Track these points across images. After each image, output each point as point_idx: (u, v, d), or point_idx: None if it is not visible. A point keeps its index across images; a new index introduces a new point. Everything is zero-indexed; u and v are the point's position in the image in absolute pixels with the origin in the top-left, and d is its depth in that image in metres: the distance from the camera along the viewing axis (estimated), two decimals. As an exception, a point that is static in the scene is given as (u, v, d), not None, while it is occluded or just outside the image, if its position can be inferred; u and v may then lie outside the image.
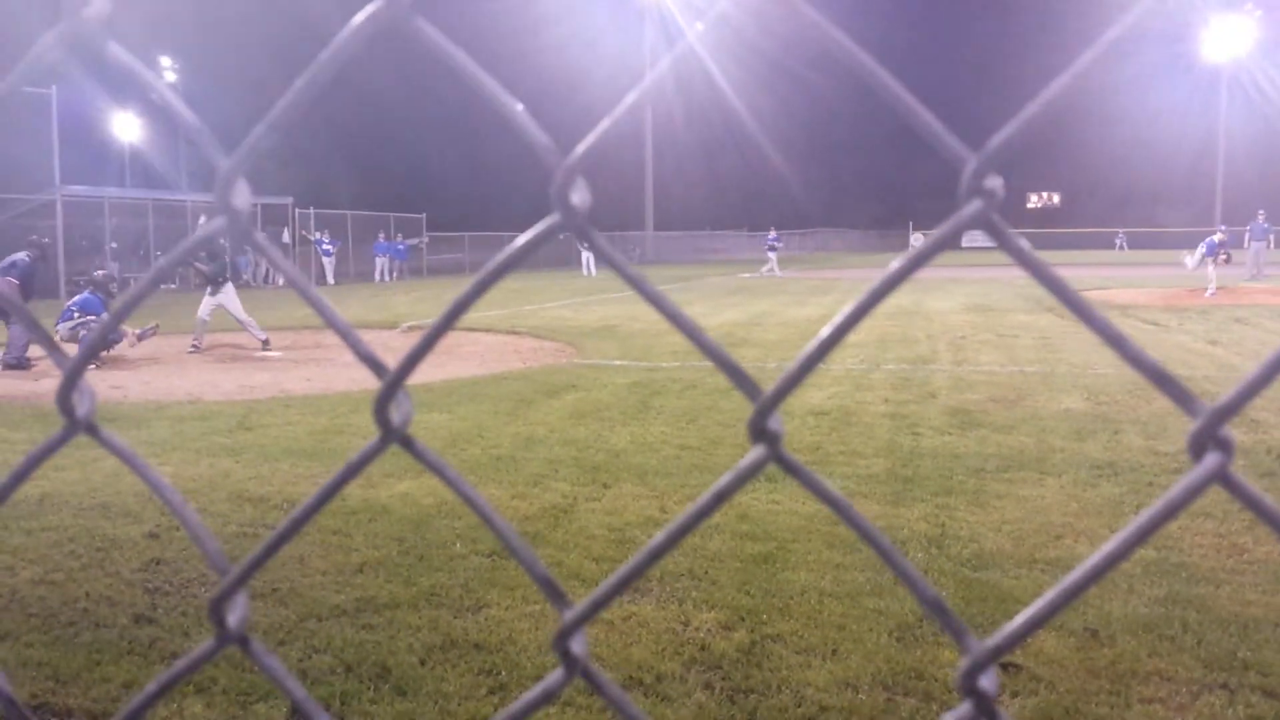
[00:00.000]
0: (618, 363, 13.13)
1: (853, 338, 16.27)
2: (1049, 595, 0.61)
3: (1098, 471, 7.09)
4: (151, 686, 0.86)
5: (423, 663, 4.19)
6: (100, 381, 11.96)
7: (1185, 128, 77.42)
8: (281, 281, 35.46)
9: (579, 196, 0.66)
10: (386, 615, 4.67)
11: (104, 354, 13.78)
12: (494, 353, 14.61)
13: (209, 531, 0.82)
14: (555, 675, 0.73)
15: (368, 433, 8.75)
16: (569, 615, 0.73)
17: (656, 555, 0.69)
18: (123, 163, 47.96)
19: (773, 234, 43.60)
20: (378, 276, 40.80)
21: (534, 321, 18.84)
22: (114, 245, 32.29)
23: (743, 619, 4.59)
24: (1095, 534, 5.74)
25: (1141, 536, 0.59)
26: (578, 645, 0.73)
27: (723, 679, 4.05)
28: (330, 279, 38.59)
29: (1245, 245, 31.69)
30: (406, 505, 6.21)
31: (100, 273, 15.00)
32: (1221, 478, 0.59)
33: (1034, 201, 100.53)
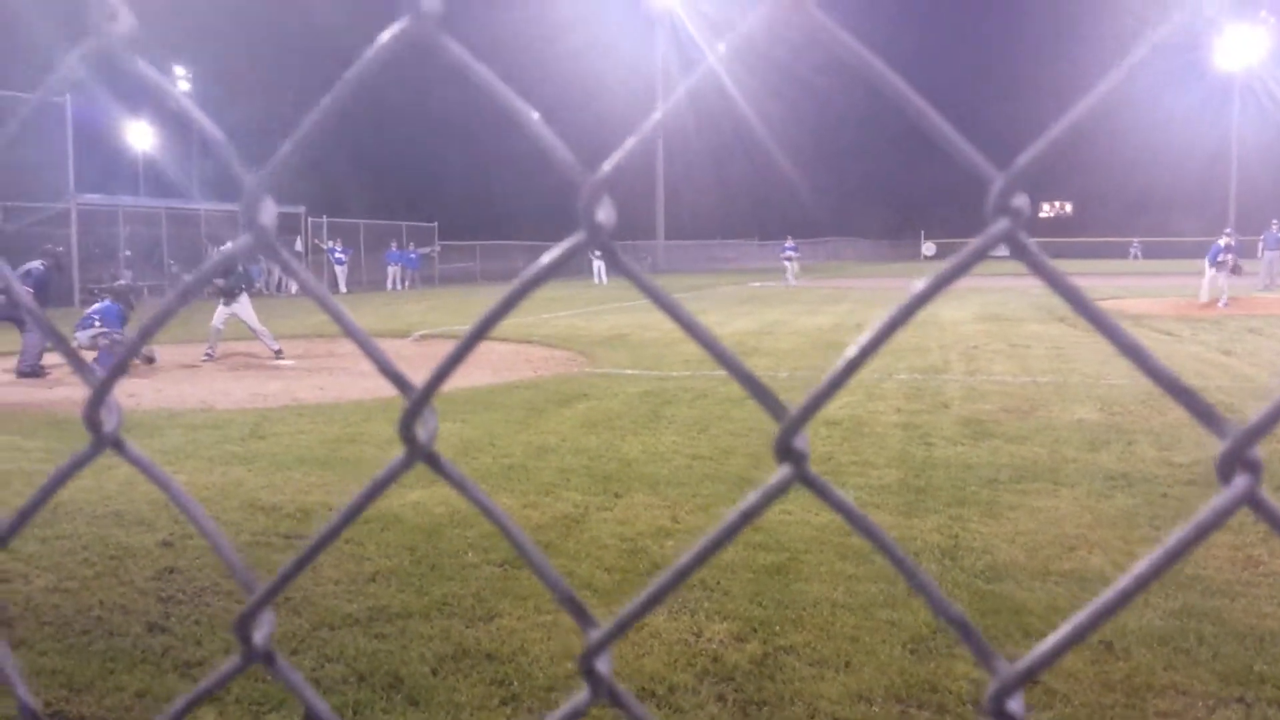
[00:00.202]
0: (629, 372, 13.13)
1: (873, 329, 16.20)
2: (1078, 618, 0.61)
3: (1112, 483, 7.06)
4: (179, 704, 0.86)
5: (435, 672, 4.19)
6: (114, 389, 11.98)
7: (1198, 136, 77.19)
8: (295, 289, 35.59)
9: (604, 214, 0.67)
10: (399, 624, 4.68)
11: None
12: (505, 361, 14.63)
13: (235, 550, 0.82)
14: (581, 695, 0.73)
15: (380, 441, 8.78)
16: (595, 635, 0.72)
17: (683, 575, 0.69)
18: (137, 171, 48.20)
19: (789, 243, 43.55)
20: (390, 285, 40.92)
21: (545, 330, 18.86)
22: (128, 253, 32.44)
23: (755, 630, 4.58)
24: (1110, 545, 5.71)
25: (1171, 560, 0.59)
26: (603, 665, 0.73)
27: (735, 690, 4.04)
28: (343, 287, 38.72)
29: (1259, 255, 31.54)
30: (419, 514, 6.21)
31: (120, 282, 15.07)
32: (1250, 500, 0.58)
33: (1046, 210, 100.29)
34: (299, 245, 38.30)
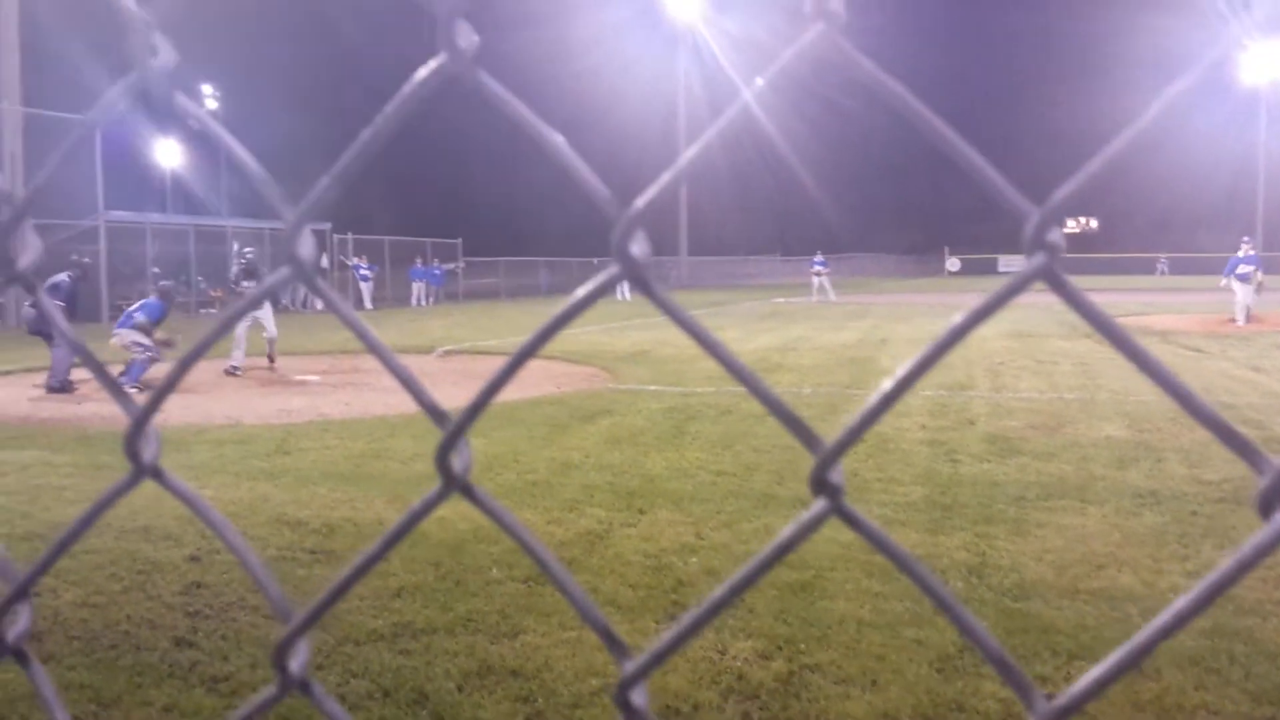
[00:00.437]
0: (652, 388, 13.13)
1: (888, 362, 16.19)
2: (1117, 654, 0.60)
3: (1140, 500, 7.00)
4: None
5: (460, 689, 4.19)
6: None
7: (1225, 151, 76.65)
8: (320, 306, 35.82)
9: (638, 248, 0.67)
10: (424, 641, 4.68)
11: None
12: (528, 377, 14.66)
13: (272, 577, 0.82)
14: None
15: (405, 457, 8.81)
16: (630, 667, 0.72)
17: (718, 607, 0.68)
18: (165, 188, 48.68)
19: (819, 257, 42.76)
20: (414, 301, 41.11)
21: (568, 346, 18.89)
22: (156, 270, 32.73)
23: (780, 648, 4.56)
24: (1139, 564, 5.65)
25: (1213, 595, 0.58)
26: (639, 697, 0.72)
27: (760, 709, 4.02)
28: (368, 304, 38.94)
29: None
30: (444, 530, 6.22)
31: (165, 283, 15.37)
32: None
33: (1072, 226, 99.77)
34: (324, 262, 38.55)
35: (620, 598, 5.22)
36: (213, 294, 33.90)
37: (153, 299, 14.59)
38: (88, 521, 0.89)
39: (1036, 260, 0.61)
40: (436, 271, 43.00)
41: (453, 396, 12.25)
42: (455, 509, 6.70)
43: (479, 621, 4.90)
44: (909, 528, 6.38)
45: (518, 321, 24.18)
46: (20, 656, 0.97)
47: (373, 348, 0.76)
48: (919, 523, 6.50)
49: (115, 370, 13.84)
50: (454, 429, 0.72)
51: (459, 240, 46.77)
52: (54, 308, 1.02)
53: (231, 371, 15.28)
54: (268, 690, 0.83)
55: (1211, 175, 78.62)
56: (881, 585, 5.23)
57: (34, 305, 13.89)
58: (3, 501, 7.22)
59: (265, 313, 15.63)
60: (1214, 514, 6.61)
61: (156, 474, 0.84)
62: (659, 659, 0.71)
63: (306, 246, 0.75)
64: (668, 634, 0.71)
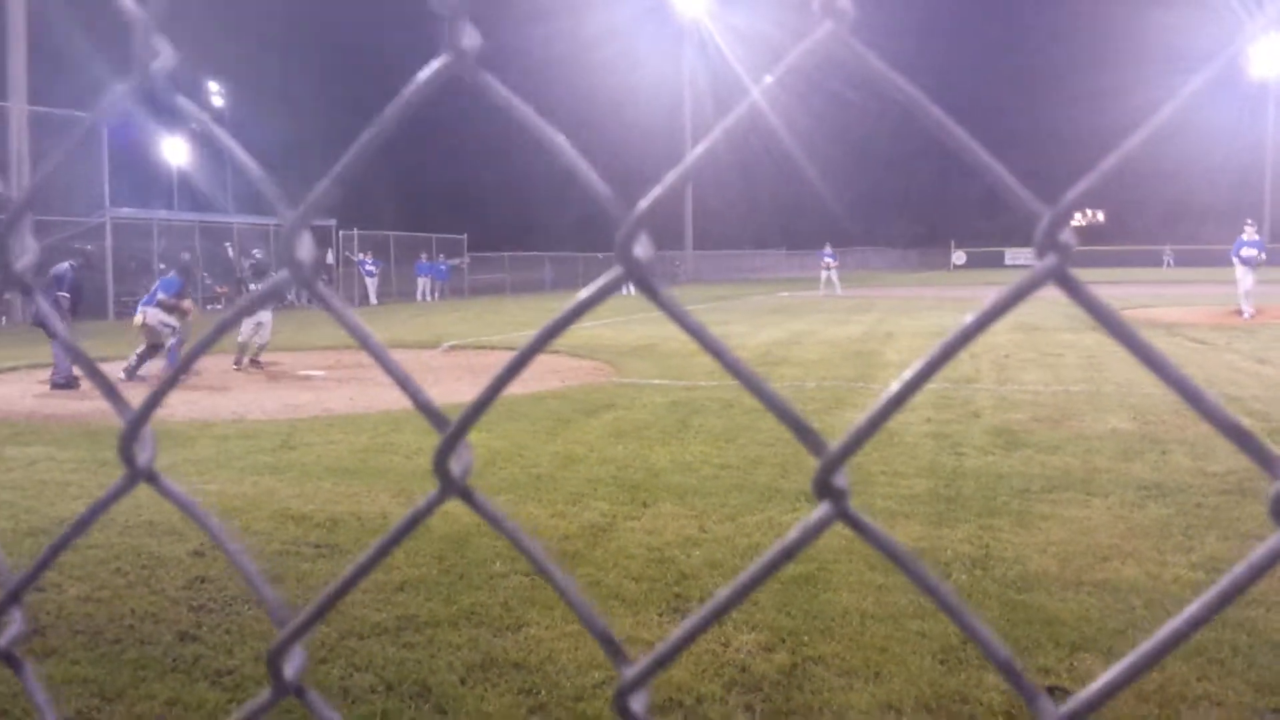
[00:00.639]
0: (656, 382, 13.13)
1: (893, 356, 16.18)
2: (1127, 660, 0.59)
3: (1145, 492, 6.98)
4: None
5: (463, 681, 4.20)
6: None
7: (1233, 144, 76.38)
8: (325, 301, 35.80)
9: (641, 249, 0.66)
10: (427, 634, 4.69)
11: (147, 372, 14.06)
12: (532, 371, 14.65)
13: (266, 581, 0.82)
14: None
15: (409, 451, 8.82)
16: (629, 673, 0.71)
17: (721, 611, 0.68)
18: (171, 185, 48.74)
19: (828, 249, 41.60)
20: (419, 296, 41.16)
21: (572, 340, 18.88)
22: (162, 266, 32.78)
23: (783, 640, 4.56)
24: (1143, 556, 5.65)
25: (1225, 600, 0.57)
26: (638, 703, 0.71)
27: (763, 701, 4.02)
28: (373, 299, 38.99)
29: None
30: (447, 523, 6.23)
31: (185, 255, 15.44)
32: None
33: (1079, 219, 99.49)
34: (330, 258, 38.57)
35: (624, 591, 5.23)
36: (219, 290, 33.94)
37: (171, 275, 14.77)
38: (83, 525, 0.89)
39: (1048, 261, 0.60)
40: (442, 267, 43.04)
41: (457, 391, 12.26)
42: (459, 503, 6.71)
43: (482, 615, 4.91)
44: (913, 520, 6.37)
45: (522, 317, 24.20)
46: (12, 661, 0.97)
47: (372, 351, 0.75)
48: (923, 515, 6.49)
49: (120, 364, 13.88)
50: (452, 432, 0.72)
51: (464, 235, 46.80)
52: (51, 311, 1.02)
53: (241, 365, 15.34)
54: (261, 696, 0.82)
55: (1220, 168, 78.40)
56: (884, 578, 5.22)
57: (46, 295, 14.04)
58: (9, 497, 7.24)
59: (265, 315, 15.66)
60: (1219, 506, 6.60)
61: (151, 478, 0.84)
62: (660, 664, 0.70)
63: (306, 248, 0.75)
64: (668, 639, 0.70)
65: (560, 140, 0.68)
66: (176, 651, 4.53)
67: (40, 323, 13.39)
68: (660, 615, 4.90)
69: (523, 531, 0.74)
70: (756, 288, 48.07)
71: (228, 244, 35.87)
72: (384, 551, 0.76)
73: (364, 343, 0.75)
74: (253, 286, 16.11)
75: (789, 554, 0.65)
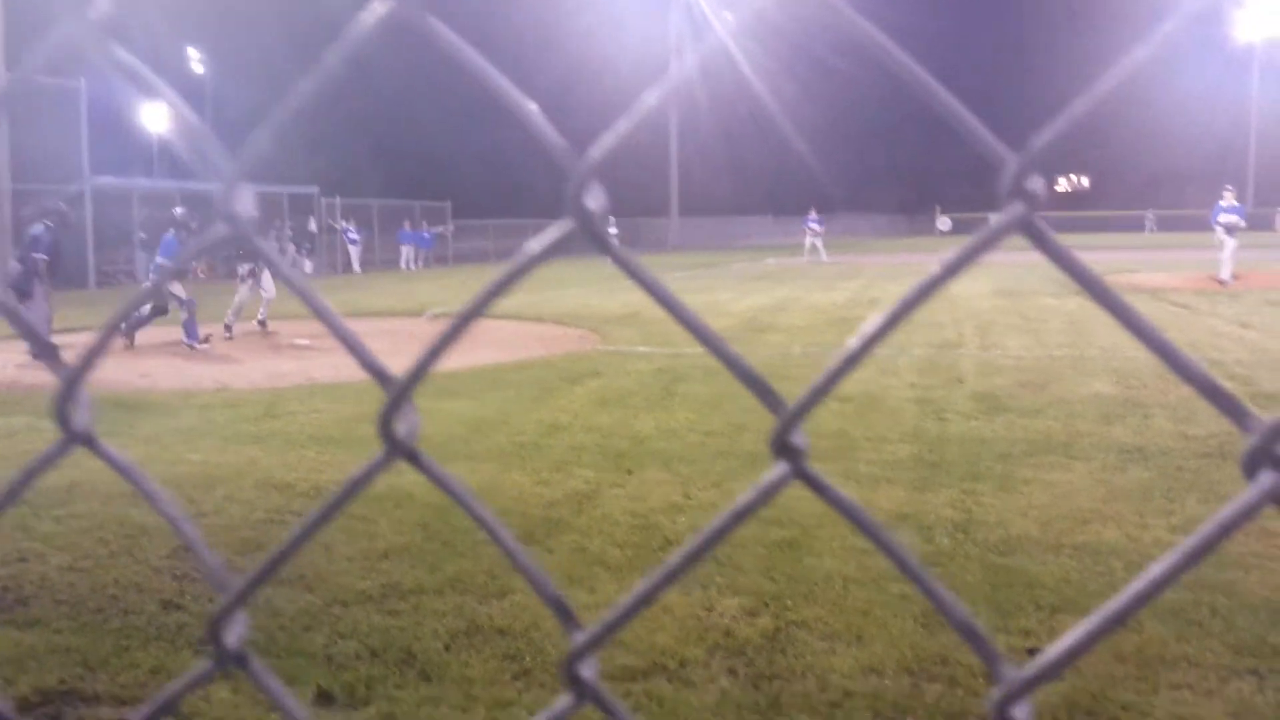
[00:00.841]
0: (641, 349, 13.12)
1: (877, 320, 16.15)
2: (1091, 621, 0.58)
3: (1126, 456, 7.03)
4: (146, 710, 0.85)
5: (447, 648, 4.21)
6: (129, 370, 12.07)
7: (1217, 108, 76.43)
8: (309, 268, 35.67)
9: (594, 201, 0.64)
10: (411, 601, 4.70)
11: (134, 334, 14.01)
12: (517, 339, 14.64)
13: (207, 546, 0.81)
14: (563, 701, 0.71)
15: (393, 420, 8.85)
16: (579, 638, 0.70)
17: (673, 576, 0.67)
18: (151, 154, 48.27)
19: (813, 215, 40.28)
20: (403, 264, 40.96)
21: (557, 308, 18.85)
22: (143, 236, 32.52)
23: (767, 605, 4.58)
24: (1124, 519, 5.69)
25: (1191, 560, 0.57)
26: (588, 670, 0.70)
27: (746, 665, 4.04)
28: (356, 267, 38.78)
29: (1276, 226, 31.24)
30: (431, 491, 6.22)
31: (179, 210, 15.15)
32: (1276, 498, 0.56)
33: (1063, 185, 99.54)
34: (313, 225, 38.32)
35: (608, 557, 5.24)
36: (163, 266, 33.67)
37: (169, 235, 14.59)
38: (14, 493, 0.87)
39: (1014, 210, 0.58)
40: (425, 235, 42.80)
41: (441, 361, 12.19)
42: (445, 470, 6.72)
43: (467, 582, 4.91)
44: (896, 485, 6.40)
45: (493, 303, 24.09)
46: None
47: (318, 312, 0.74)
48: (906, 480, 6.52)
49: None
50: (397, 393, 0.70)
51: (448, 203, 46.52)
52: (16, 304, 1.00)
53: (232, 333, 15.33)
54: (201, 666, 0.80)
55: (1204, 133, 78.40)
56: (867, 542, 5.19)
57: (20, 260, 13.55)
58: (-10, 467, 7.20)
59: (268, 284, 15.75)
60: (1199, 469, 6.65)
61: (88, 441, 0.81)
62: (610, 630, 0.69)
63: (245, 203, 0.73)
64: (618, 605, 0.69)
65: (510, 89, 0.66)
66: (160, 620, 4.53)
67: (14, 287, 13.25)
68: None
69: (471, 494, 0.73)
70: (743, 254, 48.01)
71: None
72: (326, 517, 0.75)
73: (309, 301, 0.74)
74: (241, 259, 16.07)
75: (742, 515, 0.64)
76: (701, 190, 70.50)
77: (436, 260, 43.82)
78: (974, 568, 4.98)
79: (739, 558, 5.09)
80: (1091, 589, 4.69)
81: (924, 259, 40.97)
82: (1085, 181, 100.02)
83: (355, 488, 0.73)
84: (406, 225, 42.16)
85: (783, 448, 0.64)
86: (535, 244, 0.66)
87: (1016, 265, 28.05)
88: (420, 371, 0.69)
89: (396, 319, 18.01)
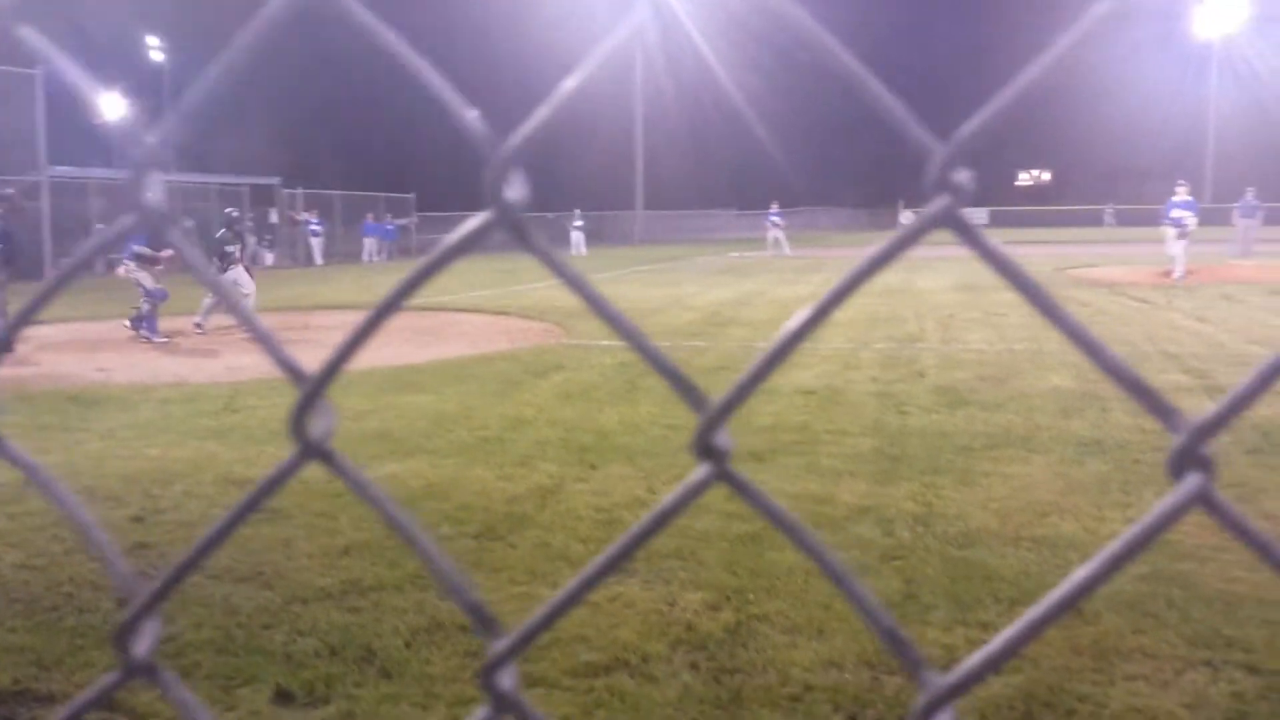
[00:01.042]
0: (605, 343, 13.10)
1: (841, 316, 16.24)
2: (1013, 629, 0.58)
3: (1084, 449, 7.10)
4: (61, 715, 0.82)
5: (408, 645, 4.19)
6: (86, 364, 11.90)
7: (1176, 104, 77.30)
8: (270, 261, 35.30)
9: (514, 191, 0.62)
10: (372, 598, 4.66)
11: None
12: (481, 333, 14.58)
13: (118, 552, 0.78)
14: (480, 713, 0.69)
15: (354, 414, 8.73)
16: (497, 647, 0.68)
17: (591, 583, 0.66)
18: (109, 143, 47.57)
19: (774, 210, 40.44)
20: (366, 257, 40.65)
21: (522, 302, 18.79)
22: (100, 227, 32.06)
23: (729, 599, 4.59)
24: (1081, 511, 5.75)
25: (1116, 564, 0.56)
26: (507, 680, 0.68)
27: (708, 659, 4.05)
28: (318, 259, 38.43)
29: (1233, 221, 31.70)
30: (394, 487, 6.19)
31: (150, 194, 14.98)
32: (1202, 500, 0.56)
33: (1024, 180, 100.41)
34: (274, 217, 37.94)
35: (570, 552, 5.23)
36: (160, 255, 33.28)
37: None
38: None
39: (939, 203, 0.57)
40: (389, 227, 42.52)
41: (403, 354, 12.15)
42: (406, 466, 6.68)
43: (428, 579, 4.88)
44: (858, 478, 6.43)
45: (470, 277, 23.96)
46: None
47: (233, 309, 0.73)
48: (868, 474, 6.56)
49: (52, 327, 13.59)
50: (309, 390, 0.68)
51: (412, 195, 46.22)
52: None
53: (204, 328, 15.17)
54: (109, 676, 0.78)
55: (1163, 129, 79.26)
56: (830, 536, 5.27)
57: None
58: (-58, 463, 7.07)
59: (242, 278, 15.62)
60: (1156, 462, 6.72)
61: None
62: (527, 639, 0.67)
63: (154, 191, 0.71)
64: (539, 611, 0.68)
65: (427, 69, 0.64)
66: (116, 619, 4.46)
67: None
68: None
69: (384, 496, 0.71)
70: (707, 248, 48.05)
71: (232, 209, 35.18)
72: (237, 519, 0.73)
73: (224, 297, 0.73)
74: (230, 250, 15.80)
75: (664, 518, 0.63)
76: (667, 184, 70.48)
77: (401, 252, 43.53)
78: (934, 560, 5.01)
79: (702, 552, 5.10)
80: (1050, 582, 4.73)
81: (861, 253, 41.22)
82: (1047, 176, 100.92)
83: (266, 490, 0.70)
84: (370, 218, 41.86)
85: (706, 449, 0.63)
86: (454, 235, 0.64)
87: (978, 260, 28.24)
88: (333, 369, 0.67)
89: (360, 312, 17.83)
